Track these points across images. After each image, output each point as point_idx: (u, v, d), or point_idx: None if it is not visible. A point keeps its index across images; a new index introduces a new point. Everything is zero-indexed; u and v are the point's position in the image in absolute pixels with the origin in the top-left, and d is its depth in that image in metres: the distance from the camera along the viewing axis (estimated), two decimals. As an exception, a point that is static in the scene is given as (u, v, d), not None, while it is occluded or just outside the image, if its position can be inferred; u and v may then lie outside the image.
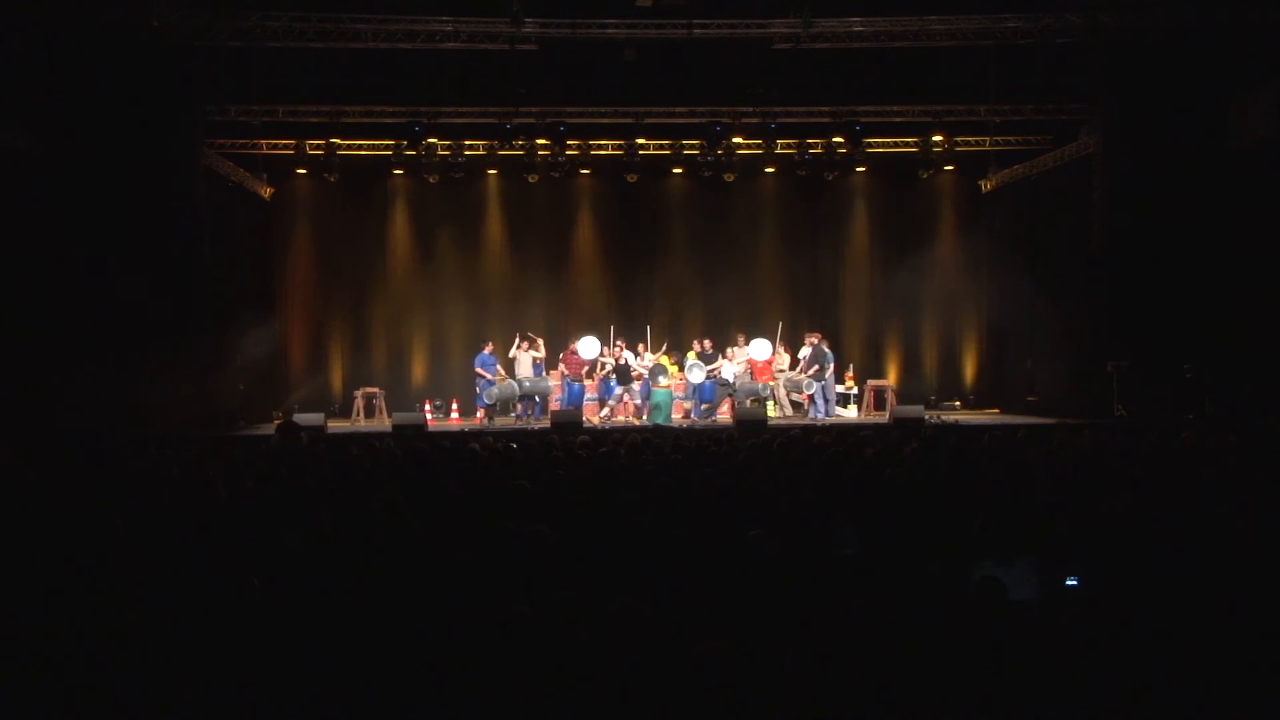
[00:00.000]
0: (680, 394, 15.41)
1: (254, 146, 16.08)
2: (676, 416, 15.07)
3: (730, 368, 15.34)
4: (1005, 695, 2.96)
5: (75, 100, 11.85)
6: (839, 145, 16.38)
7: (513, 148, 16.16)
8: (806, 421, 14.03)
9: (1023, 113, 15.86)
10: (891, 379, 17.23)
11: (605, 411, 15.32)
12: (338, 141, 15.96)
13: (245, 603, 3.47)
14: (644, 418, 14.74)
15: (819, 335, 15.50)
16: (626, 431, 10.92)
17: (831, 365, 15.13)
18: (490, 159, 16.72)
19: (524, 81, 15.22)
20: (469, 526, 4.77)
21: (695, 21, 13.87)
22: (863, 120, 16.11)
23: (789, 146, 16.48)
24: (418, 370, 17.48)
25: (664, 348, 15.54)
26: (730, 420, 14.14)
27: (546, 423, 14.01)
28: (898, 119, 16.49)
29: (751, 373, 15.46)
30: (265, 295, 16.74)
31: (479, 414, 15.10)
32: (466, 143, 16.26)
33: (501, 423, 14.63)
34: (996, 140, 16.54)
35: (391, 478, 6.33)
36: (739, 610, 3.39)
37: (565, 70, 15.53)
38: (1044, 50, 14.82)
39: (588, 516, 4.84)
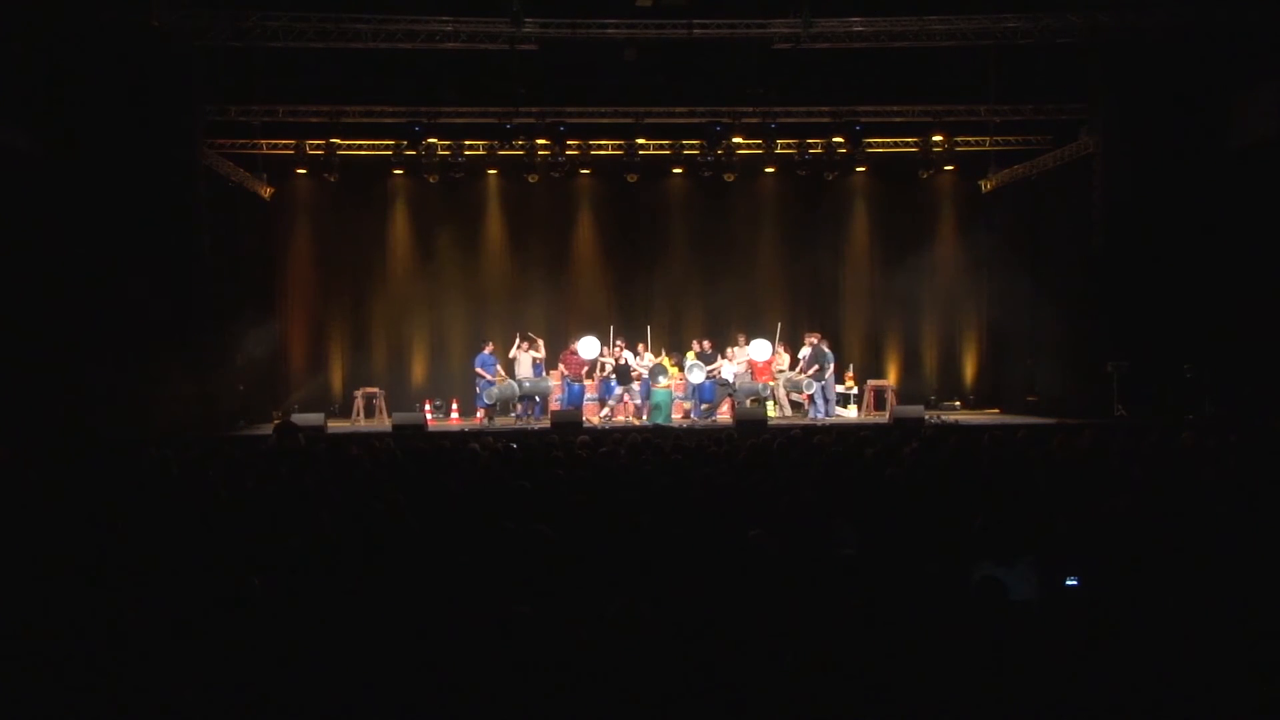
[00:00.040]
0: (680, 394, 15.41)
1: (254, 146, 16.08)
2: (676, 416, 15.07)
3: (730, 368, 15.34)
4: (1005, 695, 2.96)
5: (75, 100, 11.84)
6: (839, 145, 16.39)
7: (513, 148, 16.17)
8: (806, 421, 14.04)
9: (1023, 113, 15.86)
10: (891, 379, 17.23)
11: (605, 411, 15.32)
12: (338, 141, 15.97)
13: (245, 603, 3.47)
14: (644, 418, 14.74)
15: (818, 335, 15.50)
16: (626, 431, 10.92)
17: (831, 365, 15.13)
18: (490, 159, 16.73)
19: (524, 81, 15.21)
20: (469, 526, 4.77)
21: (695, 21, 13.87)
22: (863, 120, 16.11)
23: (789, 146, 16.48)
24: (418, 370, 17.48)
25: (663, 352, 15.56)
26: (730, 420, 14.14)
27: (546, 423, 14.01)
28: (898, 119, 16.49)
29: (751, 373, 15.46)
30: (265, 295, 16.74)
31: (479, 414, 15.10)
32: (466, 143, 16.27)
33: (501, 423, 14.63)
34: (996, 140, 16.54)
35: (391, 478, 6.32)
36: (739, 610, 3.39)
37: (565, 70, 15.53)
38: (1044, 50, 14.82)
39: (588, 516, 4.84)
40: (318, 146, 15.88)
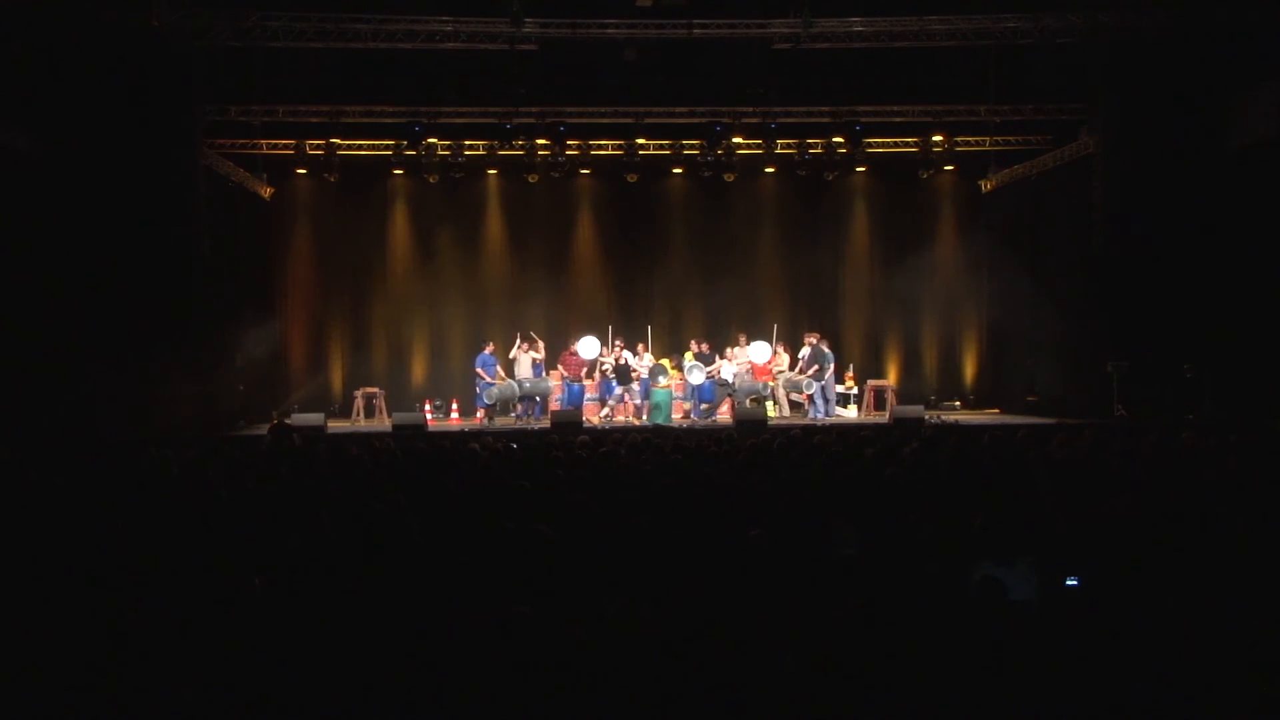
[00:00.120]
0: (680, 394, 15.41)
1: (254, 146, 16.09)
2: (676, 416, 15.07)
3: (729, 368, 15.34)
4: (1005, 695, 2.96)
5: (75, 100, 11.84)
6: (839, 145, 16.39)
7: (513, 148, 16.17)
8: (806, 421, 14.04)
9: (1023, 113, 15.86)
10: (891, 379, 17.23)
11: (605, 411, 15.32)
12: (338, 141, 15.97)
13: (245, 603, 3.47)
14: (644, 418, 14.74)
15: (817, 335, 15.50)
16: (626, 431, 10.92)
17: (831, 365, 15.13)
18: (490, 159, 16.73)
19: (524, 81, 15.22)
20: (469, 526, 4.77)
21: (695, 21, 13.87)
22: (863, 120, 16.11)
23: (789, 146, 16.48)
24: (418, 370, 17.48)
25: (664, 354, 15.60)
26: (730, 420, 14.14)
27: (546, 423, 14.01)
28: (898, 119, 16.49)
29: (751, 373, 15.46)
30: (265, 295, 16.74)
31: (479, 414, 15.10)
32: (466, 143, 16.27)
33: (501, 423, 14.63)
34: (996, 140, 16.55)
35: (391, 478, 6.33)
36: (739, 610, 3.39)
37: (565, 70, 15.54)
38: (1044, 50, 14.83)
39: (588, 516, 4.84)
40: (318, 146, 15.88)
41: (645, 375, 15.01)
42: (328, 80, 15.32)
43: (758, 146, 16.23)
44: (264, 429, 12.08)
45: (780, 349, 15.96)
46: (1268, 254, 12.32)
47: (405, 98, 15.61)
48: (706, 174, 16.84)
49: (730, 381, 15.13)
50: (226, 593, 3.50)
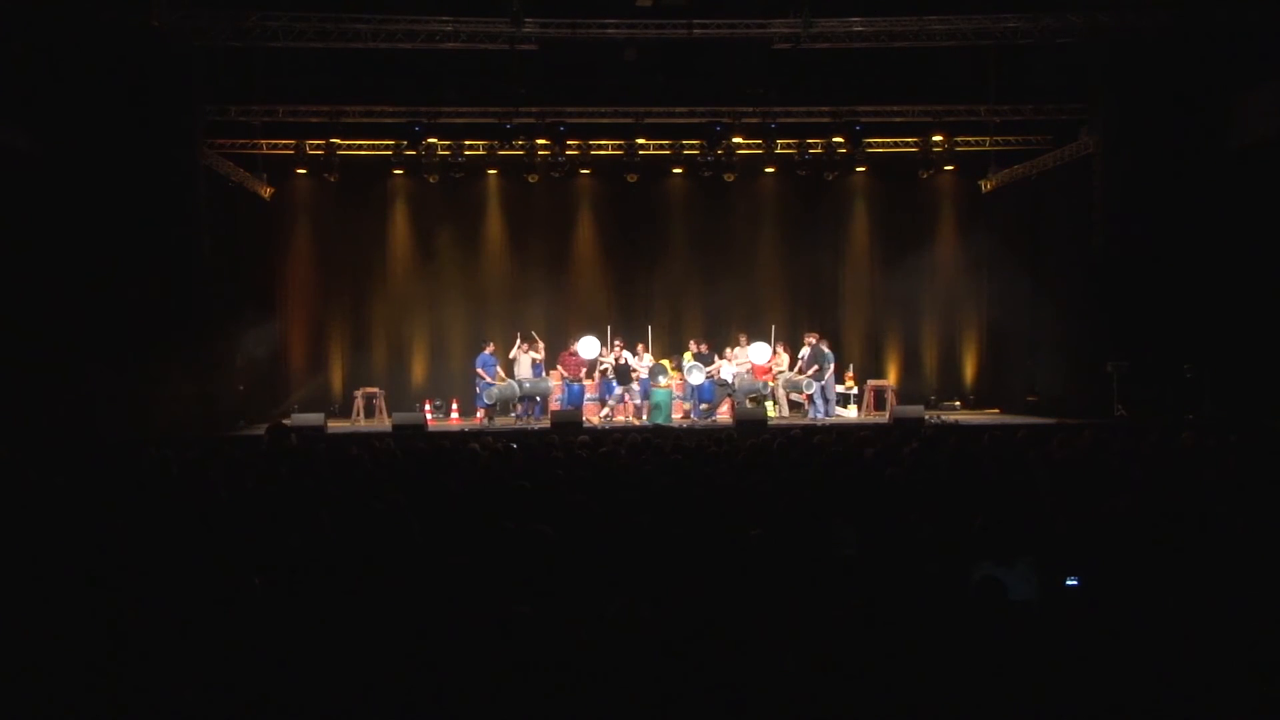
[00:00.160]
0: (679, 394, 15.42)
1: (254, 146, 16.10)
2: (676, 416, 15.07)
3: (729, 368, 15.34)
4: (1005, 695, 2.96)
5: (75, 100, 11.85)
6: (839, 145, 16.39)
7: (513, 148, 16.17)
8: (806, 421, 14.04)
9: (1023, 113, 15.87)
10: (891, 379, 17.24)
11: (605, 411, 15.33)
12: (338, 141, 15.97)
13: (245, 603, 3.47)
14: (644, 418, 14.74)
15: (817, 335, 15.50)
16: (626, 431, 10.92)
17: (831, 365, 15.13)
18: (490, 159, 16.73)
19: (524, 81, 15.23)
20: (469, 526, 4.77)
21: (695, 21, 13.88)
22: (863, 120, 16.11)
23: (789, 146, 16.48)
24: (418, 370, 17.48)
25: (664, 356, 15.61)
26: (730, 420, 14.14)
27: (546, 423, 14.01)
28: (898, 119, 16.49)
29: (751, 373, 15.46)
30: (265, 295, 16.74)
31: (479, 414, 15.10)
32: (466, 143, 16.27)
33: (501, 423, 14.63)
34: (996, 140, 16.55)
35: (391, 478, 6.32)
36: (739, 610, 3.39)
37: (565, 70, 15.54)
38: (1044, 50, 14.83)
39: (588, 516, 4.84)
40: (318, 146, 15.88)
41: (645, 375, 15.01)
42: (328, 80, 15.32)
43: (758, 146, 16.24)
44: (264, 429, 12.08)
45: (780, 349, 15.97)
46: (1268, 254, 12.32)
47: (405, 98, 15.61)
48: (706, 174, 16.84)
49: (730, 381, 15.13)
50: (226, 593, 3.50)
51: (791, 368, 15.68)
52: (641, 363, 15.16)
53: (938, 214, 18.00)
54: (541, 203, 17.63)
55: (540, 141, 16.13)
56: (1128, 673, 3.10)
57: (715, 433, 10.37)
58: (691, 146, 16.43)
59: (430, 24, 13.59)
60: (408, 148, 15.86)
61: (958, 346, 17.99)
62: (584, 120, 16.02)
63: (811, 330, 16.00)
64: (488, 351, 15.09)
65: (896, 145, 16.92)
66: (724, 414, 15.14)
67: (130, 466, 7.16)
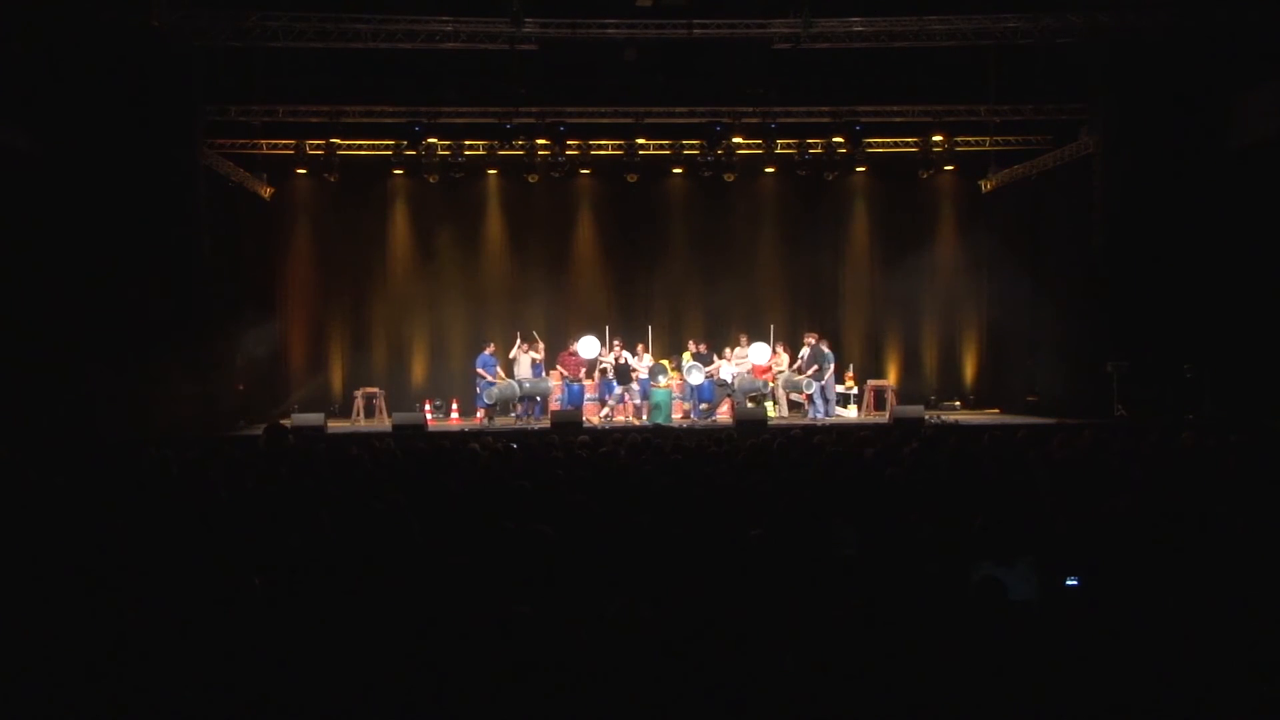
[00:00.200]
0: (679, 394, 15.41)
1: (254, 146, 16.10)
2: (676, 416, 15.07)
3: (728, 368, 15.35)
4: (1005, 695, 2.96)
5: (75, 100, 11.85)
6: (839, 145, 16.39)
7: (513, 148, 16.17)
8: (806, 421, 14.04)
9: (1023, 113, 15.86)
10: (891, 379, 17.24)
11: (605, 411, 15.33)
12: (338, 141, 15.97)
13: (245, 603, 3.46)
14: (644, 418, 14.74)
15: (816, 335, 15.50)
16: (626, 431, 10.92)
17: (831, 365, 15.13)
18: (490, 159, 16.73)
19: (524, 81, 15.22)
20: (469, 526, 4.77)
21: (695, 21, 13.88)
22: (863, 120, 16.11)
23: (789, 146, 16.48)
24: (418, 370, 17.48)
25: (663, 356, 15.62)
26: (730, 420, 14.14)
27: (546, 423, 14.01)
28: (898, 119, 16.49)
29: (751, 372, 15.47)
30: (265, 295, 16.75)
31: (479, 414, 15.10)
32: (466, 143, 16.27)
33: (501, 423, 14.63)
34: (996, 140, 16.55)
35: (391, 478, 6.32)
36: (739, 610, 3.39)
37: (565, 70, 15.54)
38: (1044, 50, 14.83)
39: (588, 516, 4.84)
40: (318, 146, 15.88)
41: (645, 375, 15.01)
42: (328, 80, 15.32)
43: (758, 146, 16.24)
44: (261, 429, 12.07)
45: (780, 349, 15.97)
46: (1268, 254, 12.32)
47: (405, 98, 15.61)
48: (706, 174, 16.84)
49: (729, 381, 15.14)
50: (226, 593, 3.50)
51: (792, 367, 15.68)
52: (641, 363, 15.15)
53: (938, 214, 18.00)
54: (541, 203, 17.63)
55: (540, 141, 16.13)
56: (1128, 673, 3.10)
57: (715, 433, 10.37)
58: (691, 146, 16.43)
59: (430, 24, 13.59)
60: (408, 148, 15.86)
61: (958, 346, 18.00)
62: (584, 120, 16.02)
63: (811, 330, 16.00)
64: (488, 352, 15.09)
65: (896, 145, 16.92)
66: (724, 414, 15.14)
67: (130, 466, 7.16)
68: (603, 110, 15.97)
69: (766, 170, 17.25)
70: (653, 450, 7.68)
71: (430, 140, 15.90)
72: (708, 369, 15.17)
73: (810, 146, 16.53)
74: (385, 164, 16.59)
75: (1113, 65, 14.27)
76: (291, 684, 3.02)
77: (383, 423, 14.92)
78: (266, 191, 16.79)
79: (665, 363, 15.46)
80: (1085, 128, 14.95)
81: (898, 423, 12.71)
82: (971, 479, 6.11)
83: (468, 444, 8.14)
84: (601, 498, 5.29)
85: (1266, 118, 12.54)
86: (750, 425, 12.37)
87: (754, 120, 15.97)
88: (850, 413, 15.74)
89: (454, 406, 16.58)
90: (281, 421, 12.71)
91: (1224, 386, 12.62)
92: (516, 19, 13.23)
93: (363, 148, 16.41)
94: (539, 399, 15.25)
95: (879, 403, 16.07)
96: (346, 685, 2.99)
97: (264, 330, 15.97)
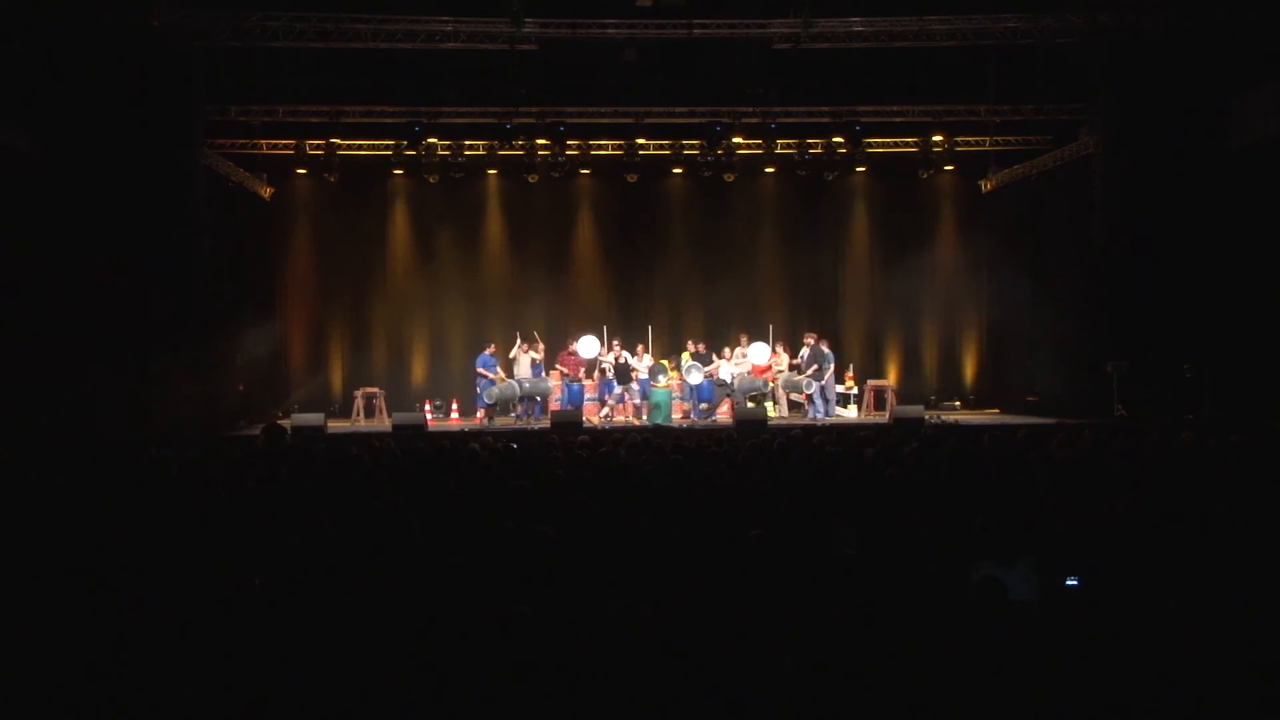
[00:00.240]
0: (678, 394, 15.41)
1: (254, 146, 16.10)
2: (676, 416, 15.07)
3: (727, 368, 15.35)
4: (1005, 695, 2.96)
5: (75, 100, 11.85)
6: (839, 145, 16.39)
7: (513, 148, 16.18)
8: (806, 421, 14.04)
9: (1023, 113, 15.87)
10: (891, 379, 17.24)
11: (605, 411, 15.33)
12: (338, 141, 15.98)
13: (245, 603, 3.46)
14: (644, 418, 14.74)
15: (815, 335, 15.50)
16: (626, 431, 10.92)
17: (831, 365, 15.13)
18: (490, 159, 16.73)
19: (524, 81, 15.23)
20: (469, 526, 4.77)
21: (695, 21, 13.88)
22: (863, 120, 16.12)
23: (789, 146, 16.48)
24: (418, 370, 17.49)
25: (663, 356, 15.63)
26: (730, 420, 14.14)
27: (546, 423, 14.01)
28: (898, 119, 16.49)
29: (751, 372, 15.47)
30: (265, 295, 16.75)
31: (479, 414, 15.10)
32: (466, 143, 16.28)
33: (501, 423, 14.63)
34: (996, 140, 16.55)
35: (391, 478, 6.32)
36: (739, 610, 3.39)
37: (565, 70, 15.54)
38: (1044, 50, 14.83)
39: (588, 516, 4.84)
40: (318, 146, 15.89)
41: (645, 375, 15.01)
42: (328, 80, 15.32)
43: (758, 146, 16.24)
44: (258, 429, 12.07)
45: (780, 348, 15.97)
46: (1268, 254, 12.32)
47: (405, 98, 15.62)
48: (706, 174, 16.85)
49: (728, 381, 15.14)
50: (226, 593, 3.50)
51: (792, 368, 15.68)
52: (641, 363, 15.16)
53: (938, 214, 18.00)
54: (541, 203, 17.64)
55: (540, 141, 16.13)
56: (1128, 673, 3.10)
57: (715, 433, 10.37)
58: (691, 146, 16.43)
59: (430, 24, 13.59)
60: (408, 148, 15.86)
61: (958, 346, 18.00)
62: (584, 120, 16.02)
63: (811, 330, 16.00)
64: (488, 352, 15.10)
65: (896, 145, 16.92)
66: (724, 414, 15.14)
67: (130, 466, 7.16)
68: (603, 110, 15.97)
69: (766, 170, 17.25)
70: (653, 450, 7.68)
71: (430, 140, 15.90)
72: (706, 369, 15.17)
73: (810, 146, 16.53)
74: (385, 164, 16.59)
75: (1113, 65, 14.27)
76: (291, 684, 3.02)
77: (383, 423, 14.92)
78: (266, 191, 16.79)
79: (665, 362, 15.46)
80: (1085, 128, 14.95)
81: (898, 423, 12.71)
82: (971, 479, 6.11)
83: (468, 444, 8.14)
84: (601, 498, 5.29)
85: (1266, 118, 12.54)
86: (750, 425, 12.37)
87: (754, 120, 15.98)
88: (850, 413, 15.74)
89: (454, 406, 16.58)
90: (280, 421, 12.70)
91: (1224, 386, 12.62)
92: (516, 19, 13.23)
93: (363, 148, 16.41)
94: (539, 399, 15.25)
95: (879, 403, 16.07)
96: (346, 685, 2.99)
97: (264, 330, 15.97)
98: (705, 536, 4.52)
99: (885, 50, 14.52)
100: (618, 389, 15.12)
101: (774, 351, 15.85)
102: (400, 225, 17.58)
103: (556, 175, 16.80)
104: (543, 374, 15.37)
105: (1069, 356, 15.00)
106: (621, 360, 15.10)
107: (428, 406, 16.22)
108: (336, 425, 14.35)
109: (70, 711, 2.86)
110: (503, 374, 15.02)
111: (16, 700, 2.88)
